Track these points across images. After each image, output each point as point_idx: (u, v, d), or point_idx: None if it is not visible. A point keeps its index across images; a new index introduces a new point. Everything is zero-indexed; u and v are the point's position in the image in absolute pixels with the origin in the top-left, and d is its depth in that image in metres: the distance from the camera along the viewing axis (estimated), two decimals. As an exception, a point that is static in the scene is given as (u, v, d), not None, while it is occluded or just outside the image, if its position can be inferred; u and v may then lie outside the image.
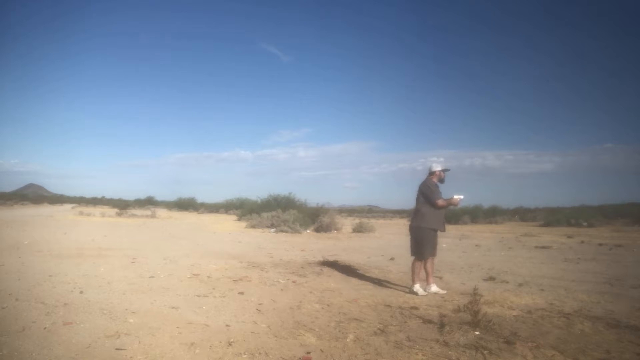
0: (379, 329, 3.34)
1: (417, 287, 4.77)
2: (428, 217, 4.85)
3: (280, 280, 5.44)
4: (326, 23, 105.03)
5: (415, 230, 4.95)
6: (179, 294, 4.47)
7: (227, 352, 2.77)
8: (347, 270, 6.41)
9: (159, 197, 60.45)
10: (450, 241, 11.65)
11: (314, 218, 16.02)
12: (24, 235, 10.52)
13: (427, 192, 4.88)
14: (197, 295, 4.41)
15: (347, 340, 3.05)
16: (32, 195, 71.27)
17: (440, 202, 4.87)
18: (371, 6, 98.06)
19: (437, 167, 5.00)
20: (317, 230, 15.09)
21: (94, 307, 3.74)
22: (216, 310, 3.85)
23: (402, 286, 5.23)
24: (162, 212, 33.63)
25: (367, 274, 6.10)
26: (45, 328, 3.12)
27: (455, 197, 4.86)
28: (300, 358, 2.71)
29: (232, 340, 2.99)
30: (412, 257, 4.96)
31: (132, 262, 6.59)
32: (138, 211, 31.93)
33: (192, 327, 3.29)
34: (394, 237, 13.72)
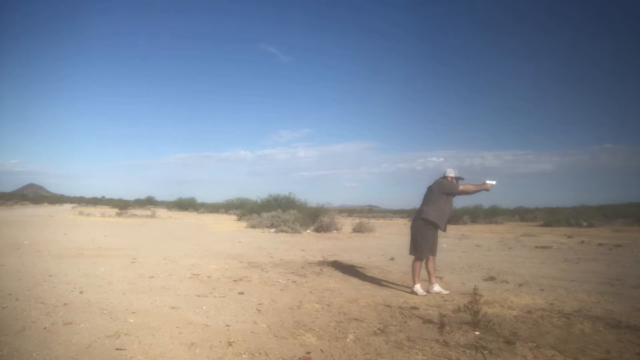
0: (379, 329, 3.34)
1: (418, 288, 4.77)
2: (432, 213, 4.86)
3: (280, 280, 5.44)
4: (326, 23, 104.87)
5: (415, 224, 4.97)
6: (179, 294, 4.47)
7: (227, 352, 2.77)
8: (347, 270, 6.41)
9: (159, 197, 60.60)
10: (450, 241, 11.65)
11: (314, 218, 16.02)
12: (24, 235, 10.52)
13: (448, 185, 4.93)
14: (197, 295, 4.41)
15: (347, 340, 3.05)
16: (32, 195, 71.17)
17: (471, 187, 4.88)
18: (371, 6, 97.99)
19: (450, 173, 5.03)
20: (317, 230, 15.09)
21: (94, 307, 3.74)
22: (216, 310, 3.85)
23: (402, 286, 5.23)
24: (162, 212, 33.60)
25: (367, 274, 6.10)
26: (45, 328, 3.12)
27: (488, 182, 4.81)
28: (300, 358, 2.71)
29: (232, 340, 2.99)
30: (412, 257, 4.97)
31: (132, 262, 6.59)
32: (138, 211, 31.93)
33: (192, 327, 3.29)
34: (394, 237, 13.73)
